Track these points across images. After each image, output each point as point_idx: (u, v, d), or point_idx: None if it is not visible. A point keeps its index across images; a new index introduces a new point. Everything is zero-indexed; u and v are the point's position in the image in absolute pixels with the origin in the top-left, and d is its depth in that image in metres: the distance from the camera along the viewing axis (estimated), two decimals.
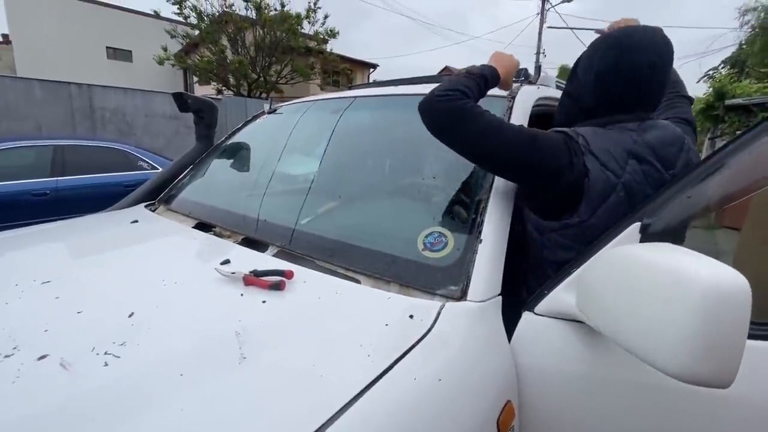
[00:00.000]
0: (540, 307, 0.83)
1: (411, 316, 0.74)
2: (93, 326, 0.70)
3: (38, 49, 14.74)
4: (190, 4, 11.74)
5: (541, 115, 1.43)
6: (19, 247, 1.18)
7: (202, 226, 1.28)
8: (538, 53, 16.45)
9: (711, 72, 16.57)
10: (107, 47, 16.85)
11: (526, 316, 0.84)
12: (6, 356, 0.60)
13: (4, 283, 0.84)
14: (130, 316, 0.72)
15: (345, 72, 16.33)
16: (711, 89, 9.08)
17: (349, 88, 1.89)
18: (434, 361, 0.66)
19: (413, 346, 0.66)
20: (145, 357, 0.62)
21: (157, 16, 12.74)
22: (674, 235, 0.77)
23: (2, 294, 0.80)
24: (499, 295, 0.83)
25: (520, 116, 1.12)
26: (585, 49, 1.02)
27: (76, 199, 3.99)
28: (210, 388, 0.56)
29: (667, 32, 0.93)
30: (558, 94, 1.59)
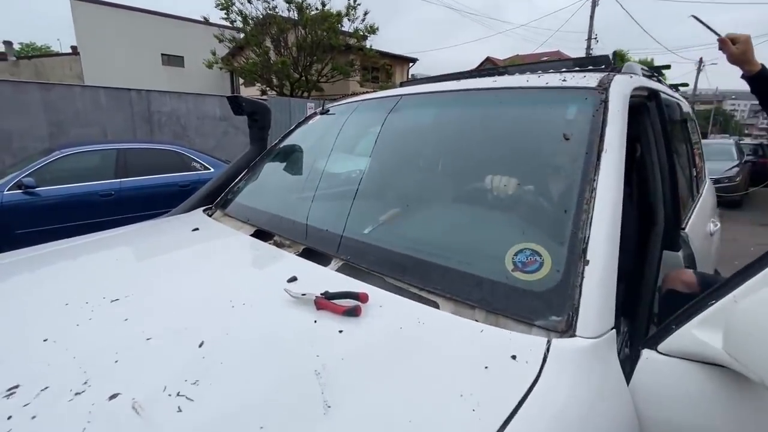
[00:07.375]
0: (665, 345, 0.69)
1: (514, 357, 0.62)
2: (164, 358, 0.65)
3: (102, 59, 15.95)
4: (236, 9, 12.17)
5: (637, 107, 1.23)
6: (88, 254, 1.19)
7: (261, 234, 1.23)
8: (589, 38, 15.42)
9: None
10: (162, 54, 17.90)
11: (648, 355, 0.70)
12: (77, 393, 0.56)
13: (76, 301, 0.82)
14: (200, 345, 0.66)
15: (384, 68, 16.24)
16: None
17: (401, 85, 1.78)
18: (549, 418, 0.55)
19: (524, 398, 0.55)
20: (221, 401, 0.55)
21: (206, 22, 13.36)
22: None
23: (74, 314, 0.78)
24: (613, 328, 0.69)
25: (617, 109, 0.94)
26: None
27: (137, 199, 4.22)
28: None
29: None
30: (650, 83, 1.37)
